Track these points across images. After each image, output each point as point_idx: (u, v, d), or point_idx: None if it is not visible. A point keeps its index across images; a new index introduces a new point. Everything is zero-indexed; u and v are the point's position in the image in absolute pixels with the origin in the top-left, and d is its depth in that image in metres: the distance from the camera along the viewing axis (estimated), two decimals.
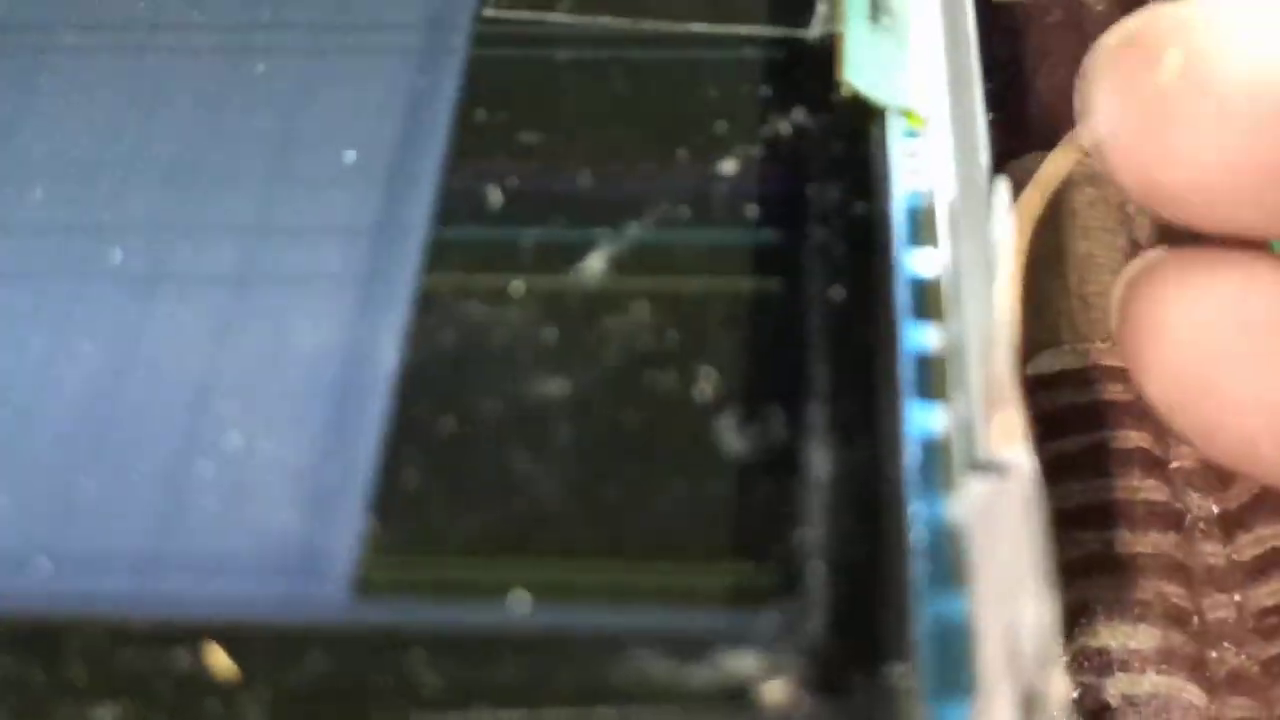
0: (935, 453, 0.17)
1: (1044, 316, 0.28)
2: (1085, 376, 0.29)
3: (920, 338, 0.18)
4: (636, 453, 0.17)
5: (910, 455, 0.17)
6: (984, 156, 0.21)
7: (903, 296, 0.19)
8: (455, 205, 0.20)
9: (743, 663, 0.16)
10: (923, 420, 0.18)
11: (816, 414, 0.17)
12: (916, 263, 0.19)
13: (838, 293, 0.19)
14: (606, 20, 0.22)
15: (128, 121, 0.21)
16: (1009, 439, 0.18)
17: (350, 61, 0.22)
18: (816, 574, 0.16)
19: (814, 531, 0.16)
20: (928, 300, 0.19)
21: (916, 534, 0.16)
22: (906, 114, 0.21)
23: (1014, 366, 0.18)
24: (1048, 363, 0.29)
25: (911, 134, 0.21)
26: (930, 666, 0.16)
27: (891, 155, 0.20)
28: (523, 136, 0.21)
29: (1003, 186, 0.20)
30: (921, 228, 0.20)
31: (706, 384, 0.18)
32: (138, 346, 0.19)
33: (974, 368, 0.18)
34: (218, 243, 0.20)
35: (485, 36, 0.22)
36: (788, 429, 0.17)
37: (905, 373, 0.18)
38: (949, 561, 0.16)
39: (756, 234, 0.19)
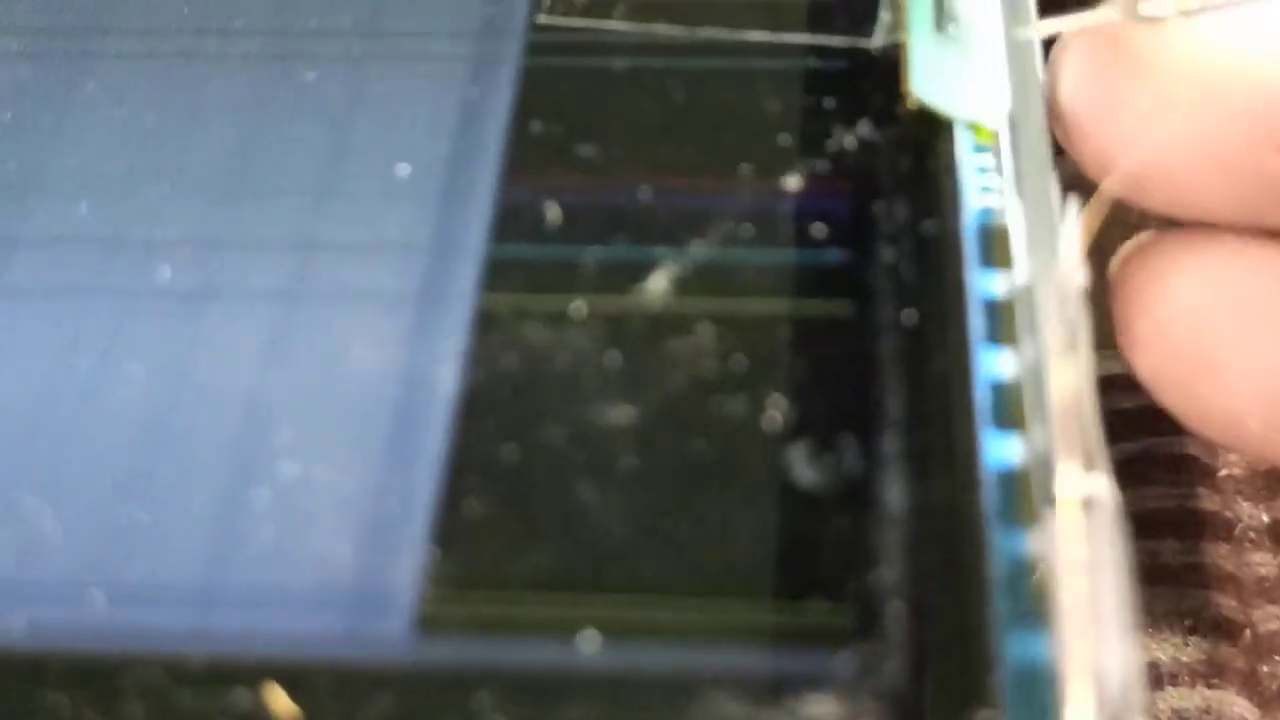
0: (1013, 485, 0.17)
1: (1092, 319, 0.28)
2: (1133, 381, 0.29)
3: (994, 363, 0.18)
4: (706, 484, 0.17)
5: (988, 487, 0.17)
6: (1052, 170, 0.20)
7: (976, 320, 0.18)
8: (512, 222, 0.19)
9: (820, 707, 0.15)
10: (1000, 450, 0.17)
11: (892, 444, 0.17)
12: (989, 284, 0.19)
13: (910, 316, 0.18)
14: (663, 28, 0.22)
15: (173, 132, 0.21)
16: (1090, 469, 0.17)
17: (401, 69, 0.21)
18: (896, 614, 0.16)
19: (892, 569, 0.16)
20: (1001, 323, 0.18)
21: (997, 571, 0.16)
22: (974, 127, 0.20)
23: (1093, 391, 0.18)
24: (1096, 367, 0.28)
25: (980, 148, 0.20)
26: (1014, 711, 0.15)
27: (961, 170, 0.20)
28: (580, 150, 0.20)
29: (1072, 203, 0.19)
30: (993, 247, 0.19)
31: (776, 412, 0.17)
32: (188, 368, 0.18)
33: (1052, 394, 0.18)
34: (268, 258, 0.19)
35: (539, 45, 0.22)
36: (862, 460, 0.17)
37: (981, 400, 0.17)
38: (1031, 600, 0.16)
39: (823, 254, 0.19)
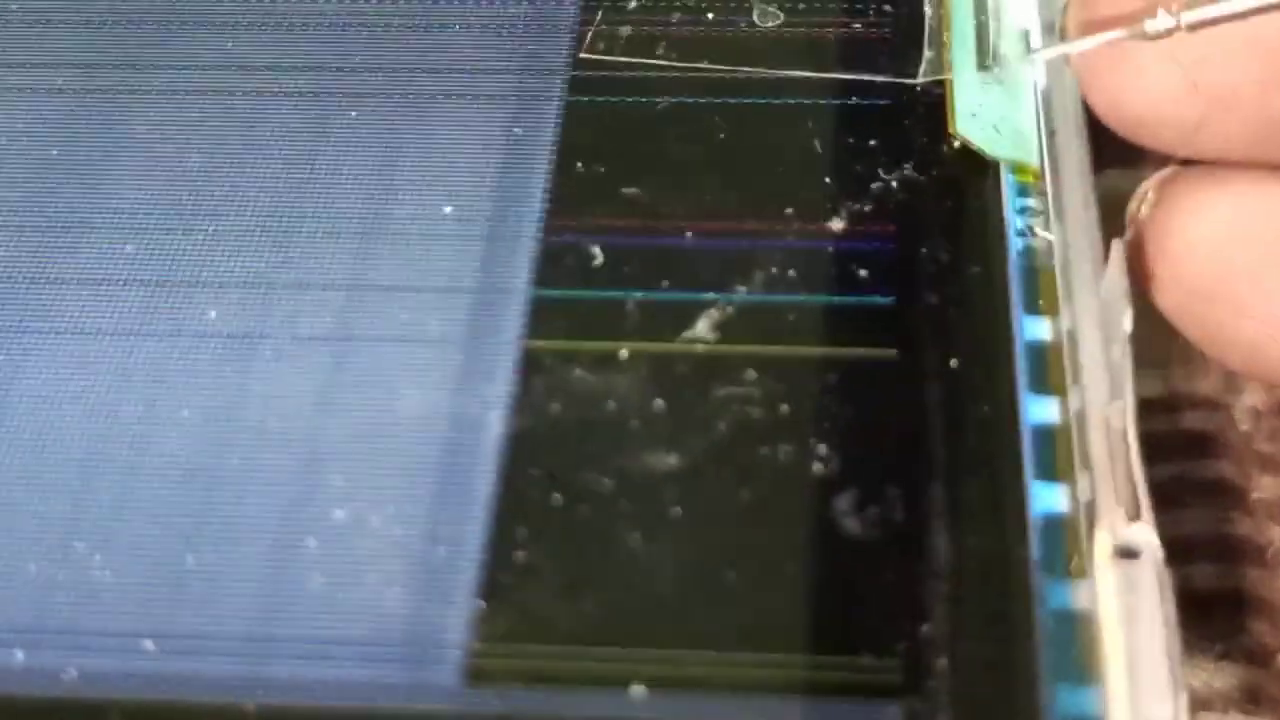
0: (1059, 535, 0.17)
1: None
2: (1165, 404, 0.29)
3: (1040, 411, 0.18)
4: (752, 534, 0.17)
5: (1034, 539, 0.17)
6: (1094, 209, 0.20)
7: (1020, 366, 0.18)
8: (556, 265, 0.20)
9: None
10: (1045, 500, 0.17)
11: (938, 495, 0.17)
12: (1033, 328, 0.19)
13: (956, 363, 0.18)
14: (705, 66, 0.22)
15: (218, 172, 0.21)
16: (1135, 519, 0.17)
17: (444, 107, 0.21)
18: (943, 669, 0.16)
19: (939, 623, 0.16)
20: (1046, 369, 0.18)
21: (1044, 624, 0.16)
22: (1019, 168, 0.20)
23: (1137, 439, 0.18)
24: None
25: (1024, 188, 0.20)
26: None
27: (1006, 212, 0.20)
28: (623, 191, 0.20)
29: (1116, 246, 0.19)
30: (1037, 290, 0.19)
31: (822, 461, 0.17)
32: (237, 412, 0.18)
33: (1097, 443, 0.18)
34: (315, 300, 0.19)
35: (581, 82, 0.22)
36: (908, 511, 0.17)
37: (1026, 449, 0.17)
38: (1078, 653, 0.16)
39: (868, 298, 0.19)
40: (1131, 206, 0.20)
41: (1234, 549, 0.26)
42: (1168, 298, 0.19)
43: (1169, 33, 0.18)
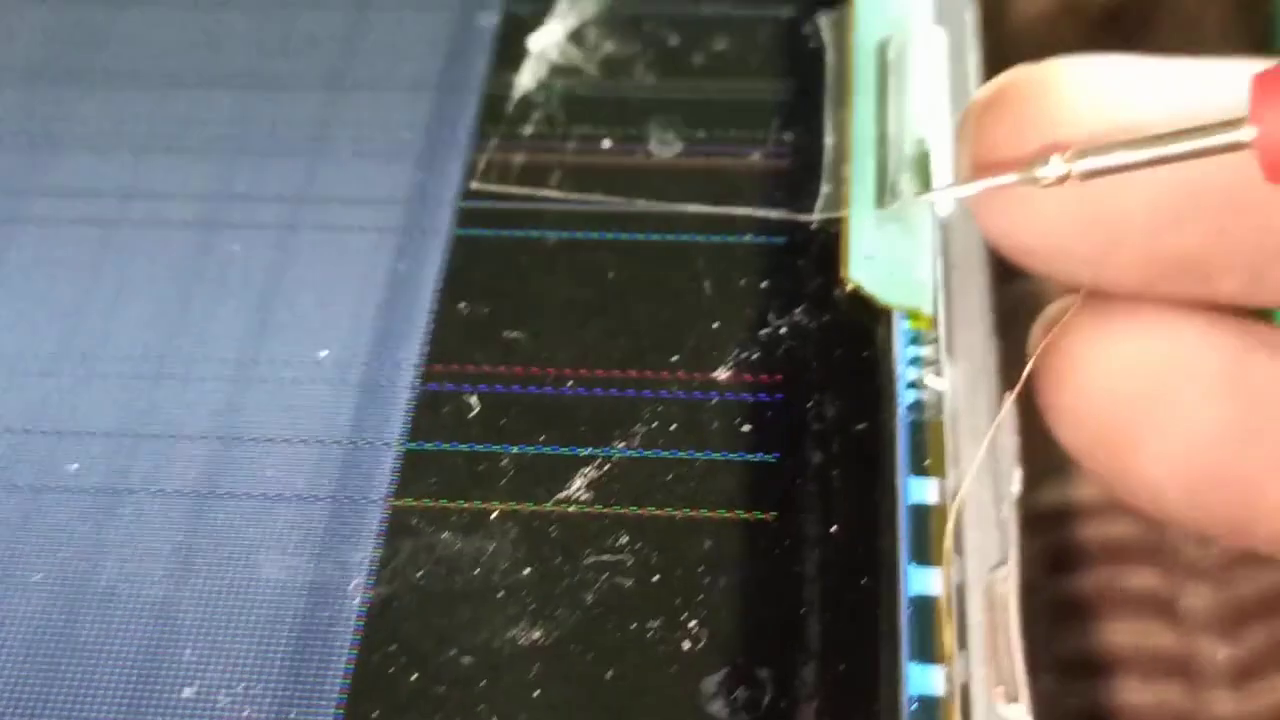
0: (935, 715, 0.16)
1: (1050, 441, 0.28)
2: (1092, 509, 0.28)
3: (921, 582, 0.17)
4: (619, 717, 0.16)
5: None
6: (993, 358, 0.20)
7: (903, 533, 0.17)
8: (433, 415, 0.19)
9: None
10: (922, 682, 0.16)
11: (810, 679, 0.16)
12: (919, 491, 0.18)
13: (836, 530, 0.17)
14: (597, 197, 0.21)
15: (94, 309, 0.20)
16: (1012, 700, 0.17)
17: (328, 240, 0.21)
18: None
19: None
20: (930, 538, 0.18)
21: None
22: (913, 314, 0.20)
23: (1019, 612, 0.17)
24: (1053, 494, 0.28)
25: (917, 336, 0.19)
26: None
27: (897, 363, 0.19)
28: (505, 334, 0.20)
29: (1008, 400, 0.19)
30: (926, 448, 0.18)
31: (692, 639, 0.17)
32: (91, 577, 0.18)
33: (976, 618, 0.17)
34: (180, 453, 0.19)
35: (470, 214, 0.21)
36: (778, 695, 0.16)
37: (905, 626, 0.17)
38: None
39: (750, 456, 0.18)
40: (1032, 337, 0.20)
41: (1159, 663, 0.26)
42: (1069, 437, 0.19)
43: (1060, 181, 0.17)
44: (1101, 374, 0.18)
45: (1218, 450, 0.18)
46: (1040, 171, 0.18)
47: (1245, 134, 0.16)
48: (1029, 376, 0.19)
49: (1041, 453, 0.20)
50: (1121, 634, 0.26)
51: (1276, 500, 0.18)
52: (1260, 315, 0.20)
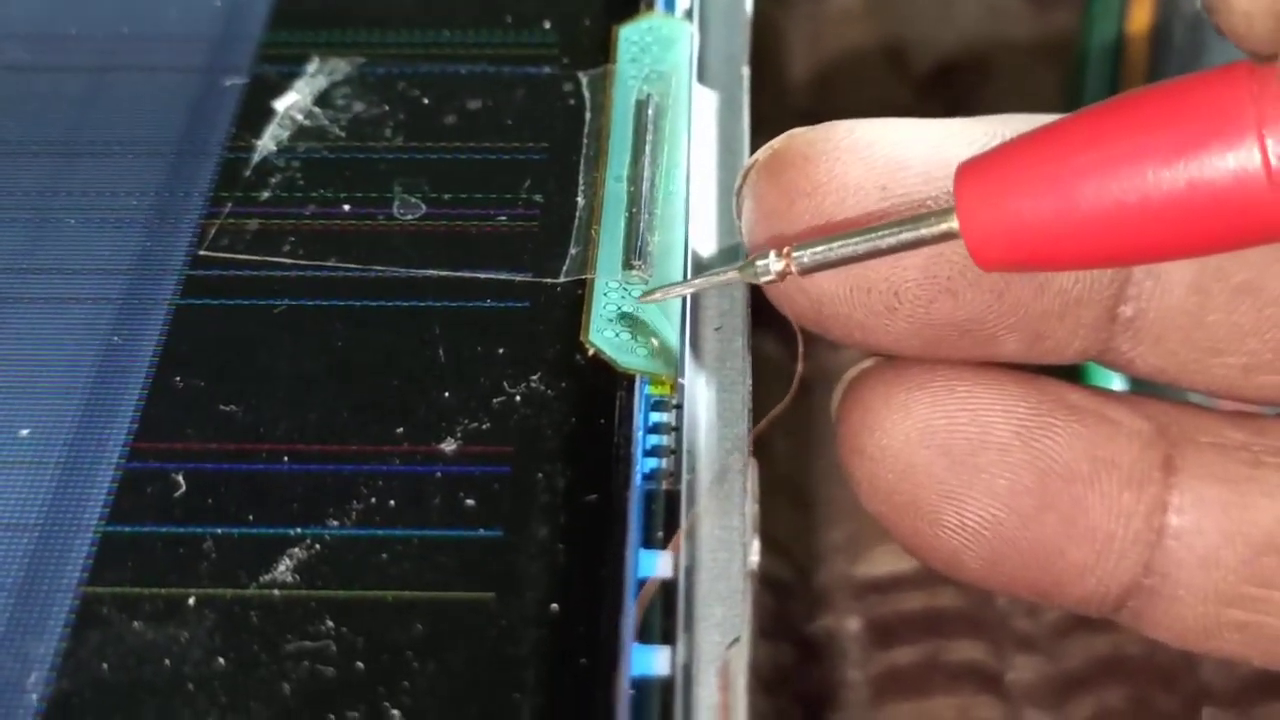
0: None
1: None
2: (917, 580, 0.27)
3: (646, 663, 0.16)
4: None
5: None
6: (744, 426, 0.19)
7: (630, 612, 0.16)
8: (135, 496, 0.18)
9: None
10: None
11: None
12: (650, 565, 0.17)
13: (557, 610, 0.16)
14: (330, 264, 0.20)
15: None
16: None
17: (41, 313, 0.19)
18: None
19: None
20: (657, 615, 0.16)
21: None
22: (655, 380, 0.18)
23: (748, 692, 0.16)
24: (880, 563, 0.27)
25: (658, 402, 0.18)
26: None
27: (635, 431, 0.18)
28: (221, 408, 0.18)
29: (751, 465, 0.18)
30: (660, 519, 0.17)
31: None
32: None
33: (705, 700, 0.16)
34: None
35: (196, 282, 0.20)
36: None
37: (626, 707, 0.16)
38: None
39: (471, 533, 0.17)
40: (834, 403, 0.19)
41: None
42: (871, 506, 0.18)
43: (781, 276, 0.17)
44: (897, 444, 0.18)
45: (1012, 517, 0.18)
46: (759, 265, 0.17)
47: (956, 223, 0.16)
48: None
49: (870, 521, 0.19)
50: (947, 709, 0.25)
51: (1076, 562, 0.18)
52: (1067, 372, 0.19)
